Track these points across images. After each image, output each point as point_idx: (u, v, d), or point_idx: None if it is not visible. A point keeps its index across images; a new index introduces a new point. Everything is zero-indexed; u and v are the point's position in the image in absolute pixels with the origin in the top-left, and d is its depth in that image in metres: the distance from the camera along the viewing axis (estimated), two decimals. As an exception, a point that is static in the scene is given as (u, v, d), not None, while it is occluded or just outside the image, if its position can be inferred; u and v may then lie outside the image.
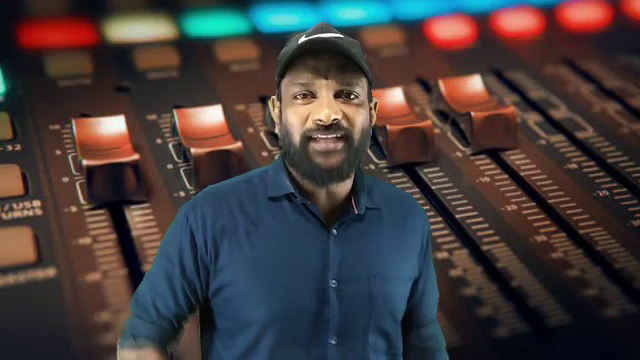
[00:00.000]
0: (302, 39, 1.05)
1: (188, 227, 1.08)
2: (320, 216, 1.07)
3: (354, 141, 1.04)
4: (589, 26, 3.06)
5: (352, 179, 1.10)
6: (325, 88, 1.02)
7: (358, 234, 1.04)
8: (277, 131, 1.10)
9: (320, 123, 1.01)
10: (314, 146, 1.03)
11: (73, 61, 2.49)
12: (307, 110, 1.03)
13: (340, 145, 1.03)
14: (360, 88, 1.05)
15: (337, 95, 1.03)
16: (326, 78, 1.02)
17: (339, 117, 1.01)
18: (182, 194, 1.95)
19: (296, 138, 1.03)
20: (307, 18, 2.80)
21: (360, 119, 1.04)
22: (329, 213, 1.09)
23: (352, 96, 1.04)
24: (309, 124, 1.02)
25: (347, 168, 1.04)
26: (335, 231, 1.06)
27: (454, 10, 3.01)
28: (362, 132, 1.05)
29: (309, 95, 1.03)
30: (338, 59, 1.03)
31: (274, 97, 1.11)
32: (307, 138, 1.03)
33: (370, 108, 1.10)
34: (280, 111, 1.08)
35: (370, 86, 1.09)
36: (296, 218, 1.07)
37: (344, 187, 1.08)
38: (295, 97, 1.04)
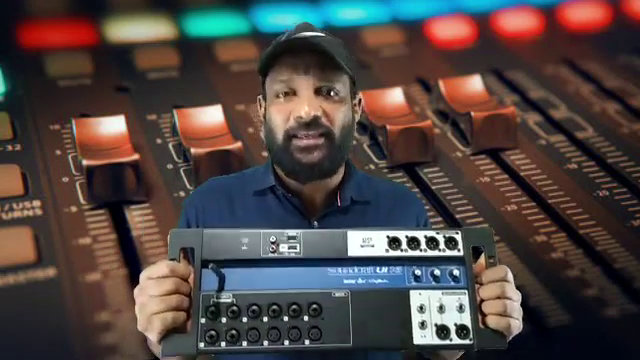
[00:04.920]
0: (283, 38, 1.08)
1: (185, 218, 1.13)
2: (300, 208, 1.09)
3: (335, 138, 1.05)
4: (589, 26, 3.06)
5: (340, 174, 1.12)
6: (305, 85, 1.04)
7: (341, 226, 1.04)
8: (262, 129, 1.13)
9: (300, 120, 1.03)
10: (295, 142, 1.05)
11: (73, 61, 2.49)
12: (289, 108, 1.05)
13: (321, 141, 1.04)
14: (341, 85, 1.06)
15: (317, 92, 1.05)
16: (306, 75, 1.04)
17: (319, 113, 1.03)
18: (182, 194, 1.94)
19: (279, 136, 1.06)
20: (307, 18, 2.77)
21: (340, 116, 1.06)
22: (314, 206, 1.11)
23: (332, 93, 1.05)
24: (291, 122, 1.04)
25: (328, 165, 1.06)
26: (316, 223, 1.09)
27: (454, 10, 3.01)
28: (343, 129, 1.06)
29: (290, 93, 1.05)
30: (318, 57, 1.04)
31: (260, 97, 1.14)
32: (289, 136, 1.05)
33: (354, 105, 1.11)
34: (265, 109, 1.11)
35: (353, 83, 1.11)
36: (278, 211, 1.10)
37: (330, 181, 1.11)
38: (277, 95, 1.06)
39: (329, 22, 2.84)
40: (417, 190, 2.04)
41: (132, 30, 2.65)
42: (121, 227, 1.83)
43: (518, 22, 3.03)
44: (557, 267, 1.81)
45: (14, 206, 1.84)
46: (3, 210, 1.82)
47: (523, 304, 0.98)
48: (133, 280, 1.67)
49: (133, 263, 1.72)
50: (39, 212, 1.83)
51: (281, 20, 2.77)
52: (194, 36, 2.70)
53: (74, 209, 1.86)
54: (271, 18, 2.80)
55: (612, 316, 1.68)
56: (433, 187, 2.06)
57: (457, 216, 1.95)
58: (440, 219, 1.95)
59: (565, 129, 2.35)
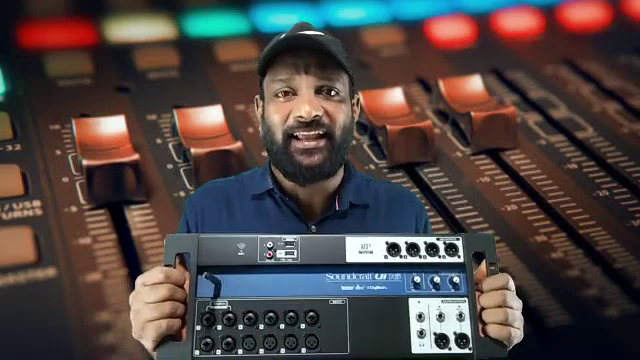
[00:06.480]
0: (281, 37, 1.05)
1: (185, 219, 1.13)
2: (298, 212, 1.08)
3: (336, 138, 1.04)
4: (589, 26, 3.06)
5: (339, 176, 1.11)
6: (305, 84, 1.02)
7: (340, 230, 1.03)
8: (260, 129, 1.11)
9: (301, 120, 1.01)
10: (295, 144, 1.03)
11: (73, 61, 2.49)
12: (288, 107, 1.03)
13: (322, 143, 1.03)
14: (340, 84, 1.05)
15: (318, 91, 1.03)
16: (306, 74, 1.02)
17: (320, 113, 1.02)
18: (182, 194, 1.94)
19: (278, 136, 1.04)
20: (307, 18, 2.78)
21: (341, 116, 1.05)
22: (313, 210, 1.10)
23: (333, 92, 1.04)
24: (290, 121, 1.03)
25: (329, 166, 1.05)
26: (314, 227, 1.08)
27: (454, 10, 3.01)
28: (343, 129, 1.05)
29: (290, 92, 1.04)
30: (317, 56, 1.02)
31: (257, 96, 1.13)
32: (289, 136, 1.03)
33: (352, 104, 1.10)
34: (263, 109, 1.09)
35: (352, 83, 1.09)
36: (275, 214, 1.09)
37: (329, 184, 1.09)
38: (276, 94, 1.05)
39: (329, 22, 2.84)
40: (417, 190, 2.04)
41: (132, 30, 2.65)
42: (121, 227, 1.83)
43: (518, 22, 3.03)
44: (557, 267, 1.81)
45: (14, 206, 1.84)
46: (3, 210, 1.82)
47: (523, 305, 0.97)
48: (133, 280, 1.66)
49: (133, 263, 1.72)
50: (39, 212, 1.83)
51: (281, 20, 2.78)
52: (194, 36, 2.70)
53: (74, 209, 1.86)
54: (271, 18, 2.80)
55: (612, 316, 1.68)
56: (433, 187, 2.06)
57: (457, 216, 1.95)
58: (440, 219, 1.95)
59: (565, 129, 2.35)
